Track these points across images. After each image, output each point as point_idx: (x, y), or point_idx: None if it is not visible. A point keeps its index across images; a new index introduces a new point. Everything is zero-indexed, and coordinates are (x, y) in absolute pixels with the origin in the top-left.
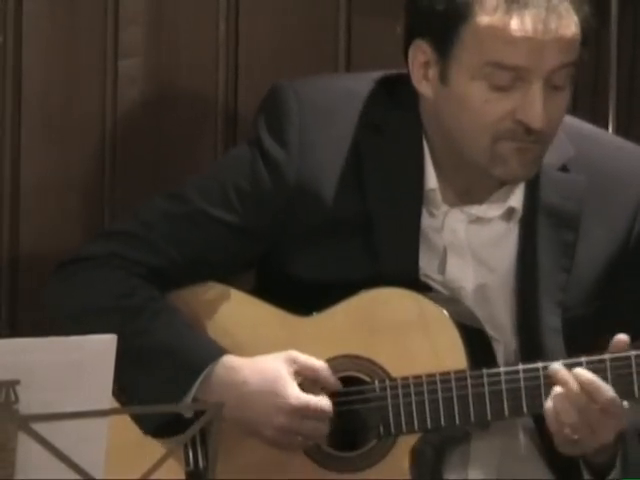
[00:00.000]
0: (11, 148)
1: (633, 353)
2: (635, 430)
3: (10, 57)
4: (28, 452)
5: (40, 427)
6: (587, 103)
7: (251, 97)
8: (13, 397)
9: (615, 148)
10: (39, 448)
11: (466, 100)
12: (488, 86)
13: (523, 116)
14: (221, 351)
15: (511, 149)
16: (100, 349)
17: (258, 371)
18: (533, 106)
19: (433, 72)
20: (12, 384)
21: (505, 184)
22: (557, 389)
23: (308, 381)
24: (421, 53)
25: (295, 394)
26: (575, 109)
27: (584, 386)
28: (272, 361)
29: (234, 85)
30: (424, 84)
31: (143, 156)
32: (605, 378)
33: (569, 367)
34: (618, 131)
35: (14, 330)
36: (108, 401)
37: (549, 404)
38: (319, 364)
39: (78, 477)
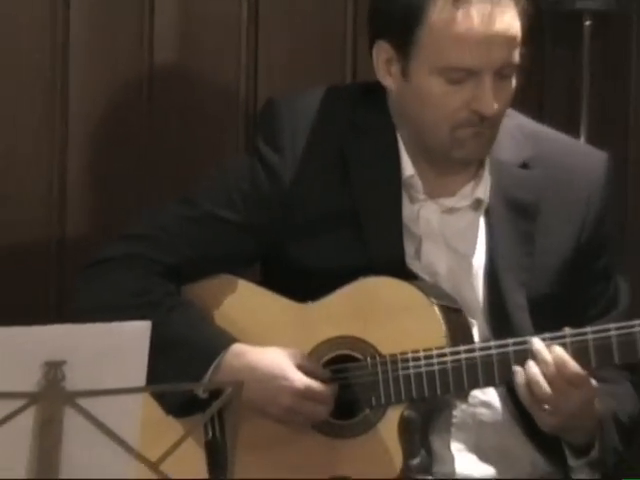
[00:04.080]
0: (60, 142)
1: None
2: (611, 414)
3: (59, 58)
4: (74, 425)
5: (84, 402)
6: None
7: None
8: (60, 376)
9: (569, 148)
10: (84, 421)
11: (426, 94)
12: (445, 81)
13: (477, 106)
14: (231, 339)
15: (469, 134)
16: (136, 334)
17: (265, 358)
18: (485, 98)
19: (395, 69)
20: (59, 364)
21: (472, 178)
22: (531, 364)
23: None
24: (383, 52)
25: (299, 378)
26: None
27: (556, 361)
28: (279, 351)
29: (254, 90)
30: (388, 79)
31: (171, 153)
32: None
33: (549, 341)
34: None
35: (61, 315)
36: (143, 380)
37: (520, 379)
38: (316, 365)
39: (117, 447)
